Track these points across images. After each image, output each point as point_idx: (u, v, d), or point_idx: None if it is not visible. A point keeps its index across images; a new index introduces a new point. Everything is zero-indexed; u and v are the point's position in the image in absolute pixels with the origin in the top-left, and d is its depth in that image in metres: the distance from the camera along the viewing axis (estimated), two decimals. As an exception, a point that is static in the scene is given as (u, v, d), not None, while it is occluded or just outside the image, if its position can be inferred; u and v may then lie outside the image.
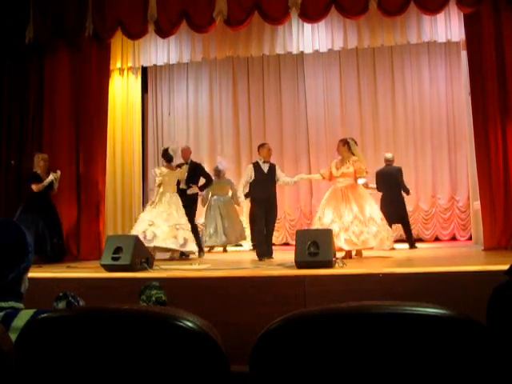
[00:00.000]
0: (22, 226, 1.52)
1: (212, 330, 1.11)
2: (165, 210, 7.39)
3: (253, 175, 7.23)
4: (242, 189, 7.56)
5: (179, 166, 7.86)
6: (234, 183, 8.96)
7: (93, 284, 5.15)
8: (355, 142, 7.27)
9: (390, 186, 8.10)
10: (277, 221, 8.07)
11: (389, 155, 8.52)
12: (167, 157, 7.67)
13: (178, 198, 7.59)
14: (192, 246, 7.39)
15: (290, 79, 10.69)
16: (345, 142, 7.17)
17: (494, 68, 7.30)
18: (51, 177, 7.33)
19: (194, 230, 7.70)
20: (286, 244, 10.14)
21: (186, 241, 7.27)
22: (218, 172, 8.98)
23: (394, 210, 7.89)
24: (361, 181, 7.16)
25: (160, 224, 7.24)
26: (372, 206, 6.89)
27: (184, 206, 7.57)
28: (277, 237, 9.75)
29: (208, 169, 8.66)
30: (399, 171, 8.27)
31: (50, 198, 7.52)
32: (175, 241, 7.20)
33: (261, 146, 7.48)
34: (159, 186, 7.56)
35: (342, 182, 6.99)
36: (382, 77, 10.44)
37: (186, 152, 8.11)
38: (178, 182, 7.76)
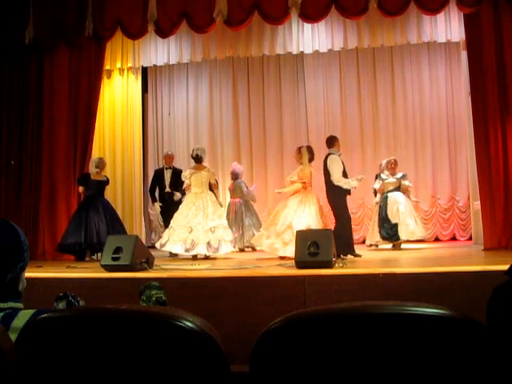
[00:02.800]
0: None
1: (212, 330, 1.11)
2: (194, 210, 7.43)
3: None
4: (344, 180, 6.72)
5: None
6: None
7: (93, 284, 5.15)
8: (310, 151, 7.08)
9: None
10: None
11: None
12: (194, 158, 7.72)
13: (208, 196, 7.54)
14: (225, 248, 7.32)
15: (290, 79, 10.68)
16: (298, 151, 7.09)
17: (494, 68, 7.30)
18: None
19: None
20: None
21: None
22: (235, 175, 9.10)
23: None
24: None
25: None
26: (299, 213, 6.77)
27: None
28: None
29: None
30: None
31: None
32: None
33: (334, 138, 7.07)
34: (188, 187, 7.59)
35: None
36: (382, 77, 10.43)
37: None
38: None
